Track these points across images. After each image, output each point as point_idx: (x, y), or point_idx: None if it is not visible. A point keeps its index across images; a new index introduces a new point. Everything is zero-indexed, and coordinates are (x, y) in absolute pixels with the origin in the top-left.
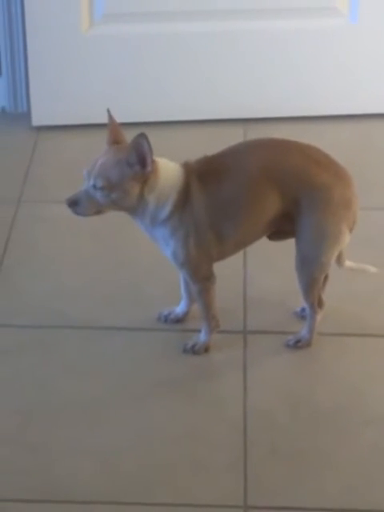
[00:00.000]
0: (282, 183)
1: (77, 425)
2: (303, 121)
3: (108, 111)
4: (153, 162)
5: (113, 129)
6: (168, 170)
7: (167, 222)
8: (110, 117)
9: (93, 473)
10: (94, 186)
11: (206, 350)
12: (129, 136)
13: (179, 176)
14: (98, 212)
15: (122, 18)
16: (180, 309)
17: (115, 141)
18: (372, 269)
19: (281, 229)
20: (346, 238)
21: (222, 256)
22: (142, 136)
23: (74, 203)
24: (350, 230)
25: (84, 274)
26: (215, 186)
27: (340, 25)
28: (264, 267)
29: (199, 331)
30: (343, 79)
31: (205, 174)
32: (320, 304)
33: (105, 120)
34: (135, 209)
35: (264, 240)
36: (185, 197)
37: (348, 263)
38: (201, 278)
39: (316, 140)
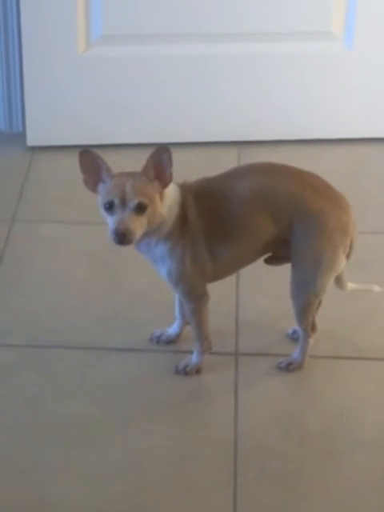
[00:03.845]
0: (276, 208)
1: (68, 445)
2: (298, 144)
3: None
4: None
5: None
6: (170, 185)
7: (168, 237)
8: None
9: (83, 493)
10: (140, 206)
11: (198, 371)
12: (123, 158)
13: (178, 192)
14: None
15: (118, 39)
16: (172, 330)
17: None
18: (376, 288)
19: (277, 253)
20: (342, 264)
21: (217, 275)
22: (164, 149)
23: (124, 234)
24: (348, 256)
25: (77, 295)
26: (209, 206)
27: (335, 49)
28: (256, 289)
29: (191, 352)
30: (338, 104)
31: (201, 194)
32: (313, 328)
33: (99, 141)
34: (154, 225)
35: (256, 262)
36: (183, 212)
37: (350, 285)
38: (195, 297)
39: (310, 164)
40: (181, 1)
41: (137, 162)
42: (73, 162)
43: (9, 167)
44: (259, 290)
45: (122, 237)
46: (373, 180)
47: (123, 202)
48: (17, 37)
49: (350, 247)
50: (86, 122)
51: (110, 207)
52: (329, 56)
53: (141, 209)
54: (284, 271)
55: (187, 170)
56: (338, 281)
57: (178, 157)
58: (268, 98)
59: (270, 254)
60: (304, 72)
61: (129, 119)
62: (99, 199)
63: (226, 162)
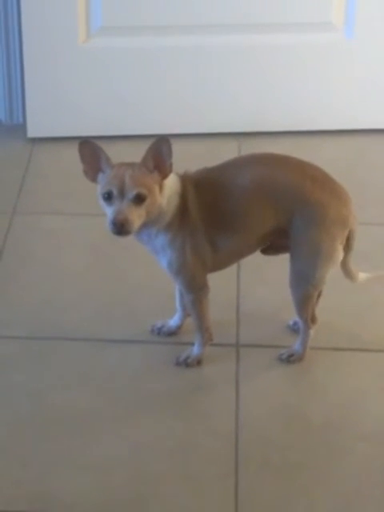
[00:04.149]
0: (276, 198)
1: (68, 437)
2: (298, 135)
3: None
4: (171, 164)
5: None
6: (170, 176)
7: (168, 228)
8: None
9: (84, 485)
10: (138, 197)
11: (199, 362)
12: (124, 149)
13: (178, 182)
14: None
15: (118, 30)
16: (173, 322)
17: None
18: None
19: (275, 243)
20: (340, 256)
21: (217, 266)
22: (163, 140)
23: (122, 224)
24: (349, 248)
25: (78, 286)
26: (209, 197)
27: (336, 40)
28: (257, 280)
29: (192, 344)
30: (339, 94)
31: (200, 184)
32: (313, 319)
33: (100, 132)
34: (153, 216)
35: (257, 253)
36: (184, 203)
37: (362, 275)
38: (195, 288)
39: (311, 155)
40: None
41: (137, 153)
42: (73, 153)
43: (9, 159)
44: (260, 280)
45: (120, 227)
46: (373, 171)
47: (122, 193)
48: (17, 28)
49: (351, 239)
50: (87, 113)
51: (108, 197)
52: (329, 46)
53: (139, 199)
54: (285, 262)
55: (188, 161)
56: (348, 274)
57: (178, 148)
58: (268, 89)
59: (267, 244)
60: (304, 63)
61: (129, 110)
62: (98, 189)
63: (227, 153)
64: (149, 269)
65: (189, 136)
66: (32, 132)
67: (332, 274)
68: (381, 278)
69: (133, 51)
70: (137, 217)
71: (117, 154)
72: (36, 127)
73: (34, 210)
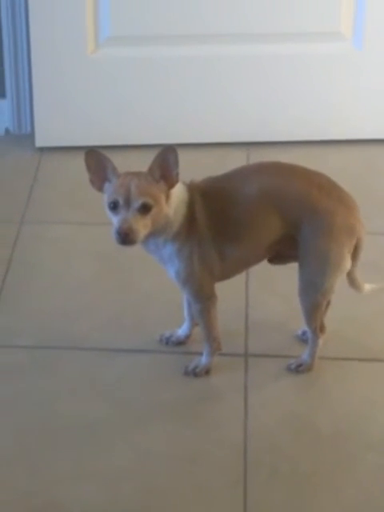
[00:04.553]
0: (283, 207)
1: (77, 446)
2: (306, 145)
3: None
4: (178, 174)
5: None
6: (177, 185)
7: (176, 237)
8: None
9: (92, 494)
10: (144, 206)
11: (207, 372)
12: (132, 159)
13: (185, 191)
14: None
15: (126, 40)
16: (182, 331)
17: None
18: None
19: (282, 252)
20: (348, 264)
21: (225, 275)
22: (170, 149)
23: (127, 234)
24: (356, 257)
25: (86, 295)
26: (217, 206)
27: (344, 50)
28: (266, 290)
29: (201, 354)
30: (347, 104)
31: (208, 193)
32: (322, 329)
33: (108, 142)
34: (159, 225)
35: (266, 263)
36: (191, 212)
37: (367, 286)
38: (203, 297)
39: (319, 165)
40: (189, 2)
41: (145, 163)
42: (81, 162)
43: (18, 168)
44: (269, 290)
45: (125, 237)
46: (380, 181)
47: (127, 202)
48: (25, 38)
49: (358, 247)
50: (95, 123)
51: (114, 207)
52: (338, 56)
53: (145, 209)
54: (294, 271)
55: (196, 171)
56: (353, 283)
57: (186, 158)
58: (277, 99)
59: (274, 253)
60: (313, 72)
61: (137, 120)
62: (105, 198)
63: (235, 162)
64: (157, 278)
65: (196, 146)
66: (40, 141)
67: (340, 284)
68: None
69: (140, 61)
70: (142, 226)
71: (124, 163)
72: (44, 137)
73: (43, 219)
